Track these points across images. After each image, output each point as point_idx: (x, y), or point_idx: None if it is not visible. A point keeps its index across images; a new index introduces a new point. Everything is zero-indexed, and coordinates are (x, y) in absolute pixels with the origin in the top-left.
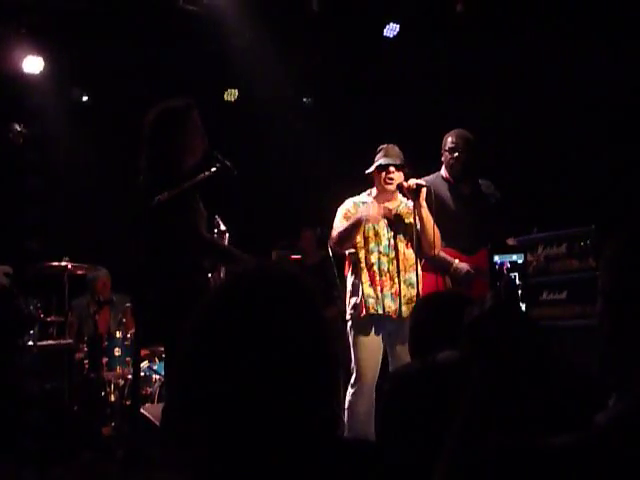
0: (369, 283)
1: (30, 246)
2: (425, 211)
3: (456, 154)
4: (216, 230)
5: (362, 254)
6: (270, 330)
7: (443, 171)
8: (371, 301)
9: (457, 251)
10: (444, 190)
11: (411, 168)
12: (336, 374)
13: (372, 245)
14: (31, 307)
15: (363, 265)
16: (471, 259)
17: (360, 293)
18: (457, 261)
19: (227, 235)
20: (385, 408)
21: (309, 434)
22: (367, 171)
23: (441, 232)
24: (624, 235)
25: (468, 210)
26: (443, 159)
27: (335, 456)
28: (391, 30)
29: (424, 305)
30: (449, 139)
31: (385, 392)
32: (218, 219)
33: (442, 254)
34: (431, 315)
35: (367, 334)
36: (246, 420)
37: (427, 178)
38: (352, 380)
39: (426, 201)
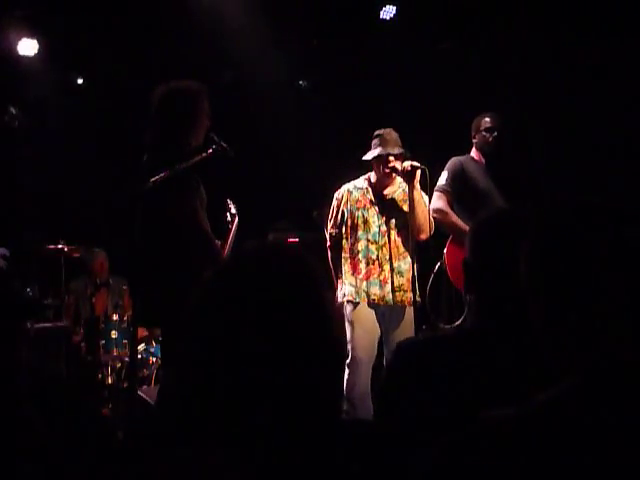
0: (350, 272)
1: (28, 229)
2: (418, 193)
3: (495, 133)
4: (228, 213)
5: (346, 243)
6: (274, 311)
7: (474, 152)
8: (350, 289)
9: None
10: (476, 171)
11: (409, 151)
12: (339, 357)
13: (360, 233)
14: (28, 291)
15: (346, 255)
16: None
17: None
18: None
19: (237, 219)
20: (387, 381)
21: (310, 416)
22: (364, 158)
23: (473, 212)
24: (538, 224)
25: (500, 190)
26: (477, 140)
27: (334, 437)
28: (388, 12)
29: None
30: (486, 119)
31: (387, 365)
32: (230, 202)
33: None
34: (492, 235)
35: (360, 315)
36: (246, 401)
37: (459, 159)
38: (347, 361)
39: (421, 183)
